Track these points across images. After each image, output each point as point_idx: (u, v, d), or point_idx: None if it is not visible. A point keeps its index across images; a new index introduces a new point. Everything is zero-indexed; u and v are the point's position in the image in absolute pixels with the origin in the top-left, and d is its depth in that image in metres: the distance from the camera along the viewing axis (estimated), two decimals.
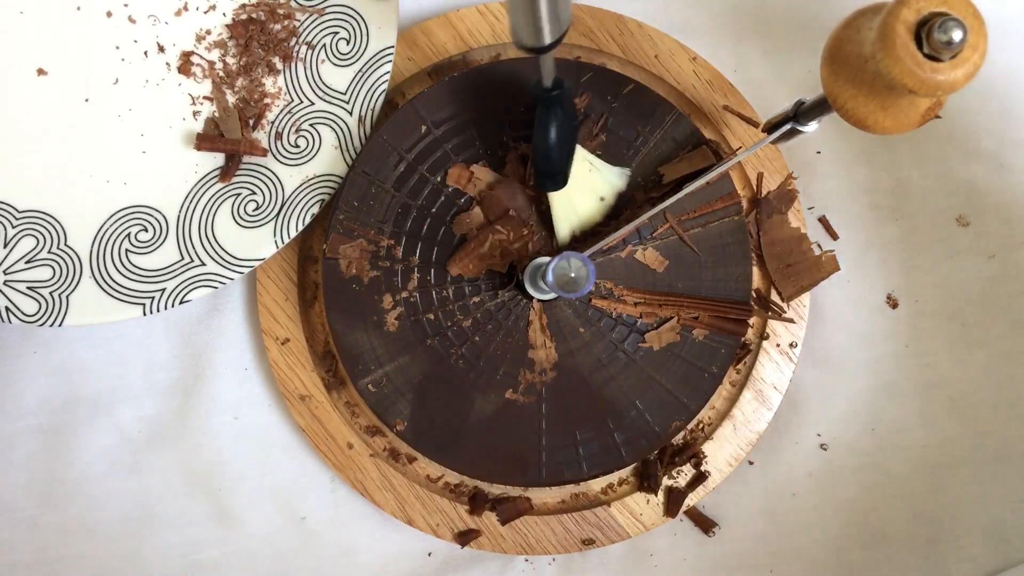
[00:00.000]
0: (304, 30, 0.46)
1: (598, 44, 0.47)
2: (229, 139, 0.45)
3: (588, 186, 0.44)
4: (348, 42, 0.45)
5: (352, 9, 0.45)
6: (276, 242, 0.44)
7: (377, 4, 0.45)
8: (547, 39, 0.32)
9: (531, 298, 0.44)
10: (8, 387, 0.47)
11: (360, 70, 0.45)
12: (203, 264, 0.44)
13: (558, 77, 0.38)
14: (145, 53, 0.46)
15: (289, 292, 0.46)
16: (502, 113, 0.45)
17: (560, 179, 0.42)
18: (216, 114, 0.45)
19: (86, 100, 0.46)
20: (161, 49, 0.46)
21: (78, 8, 0.46)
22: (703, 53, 0.48)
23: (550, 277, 0.37)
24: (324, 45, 0.46)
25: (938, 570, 0.47)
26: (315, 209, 0.44)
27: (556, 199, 0.43)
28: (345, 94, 0.45)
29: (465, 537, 0.45)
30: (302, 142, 0.45)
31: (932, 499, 0.48)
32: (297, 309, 0.46)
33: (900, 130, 0.32)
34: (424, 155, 0.44)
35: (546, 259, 0.41)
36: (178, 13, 0.46)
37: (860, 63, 0.31)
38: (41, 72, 0.45)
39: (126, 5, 0.46)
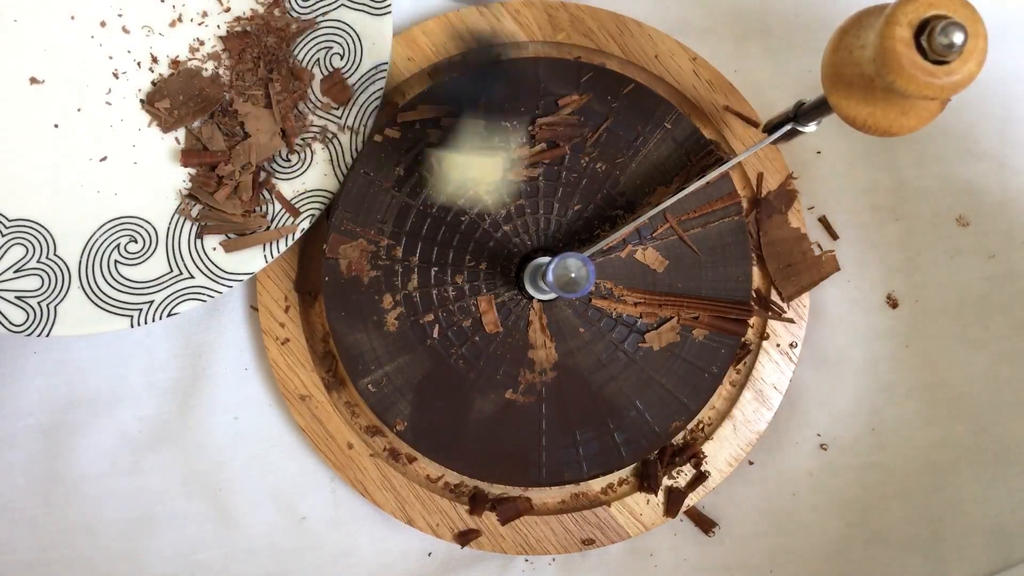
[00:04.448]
0: (297, 43, 0.46)
1: (598, 44, 0.47)
2: (214, 151, 0.45)
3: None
4: (342, 57, 0.45)
5: (346, 24, 0.45)
6: (266, 256, 0.44)
7: (371, 19, 0.45)
8: None
9: (531, 298, 0.44)
10: (8, 387, 0.47)
11: (353, 86, 0.45)
12: (192, 277, 0.44)
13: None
14: (138, 64, 0.46)
15: (289, 292, 0.46)
16: (502, 113, 0.45)
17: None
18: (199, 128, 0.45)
19: (78, 110, 0.45)
20: (155, 60, 0.46)
21: (72, 17, 0.45)
22: (703, 53, 0.48)
23: (550, 277, 0.37)
24: (318, 60, 0.45)
25: (938, 570, 0.47)
26: (305, 224, 0.44)
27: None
28: (338, 109, 0.45)
29: (465, 537, 0.45)
30: (293, 157, 0.45)
31: (932, 499, 0.48)
32: (297, 309, 0.46)
33: (925, 124, 0.32)
34: (424, 155, 0.44)
35: (546, 259, 0.41)
36: (172, 24, 0.46)
37: (866, 82, 0.30)
38: (34, 81, 0.45)
39: (120, 15, 0.46)
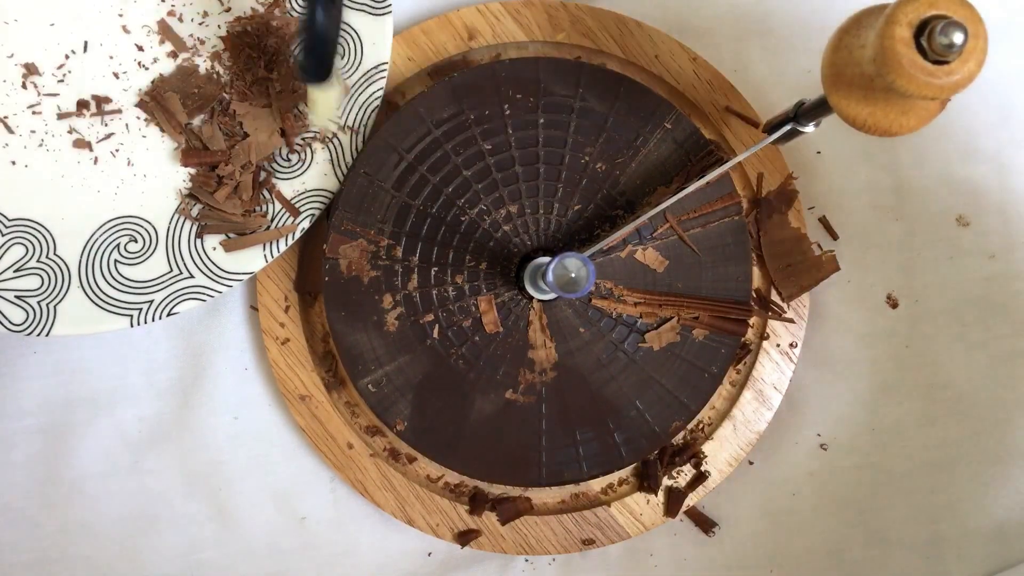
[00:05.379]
0: (298, 43, 0.45)
1: (598, 44, 0.47)
2: (214, 151, 0.45)
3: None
4: (342, 56, 0.45)
5: (346, 24, 0.45)
6: (266, 256, 0.44)
7: (372, 19, 0.45)
8: None
9: (531, 298, 0.44)
10: (8, 387, 0.47)
11: (353, 86, 0.45)
12: (192, 276, 0.44)
13: None
14: (139, 63, 0.46)
15: (289, 292, 0.46)
16: (502, 113, 0.45)
17: (328, 69, 0.39)
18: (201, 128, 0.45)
19: (79, 109, 0.45)
20: (155, 59, 0.46)
21: (72, 17, 0.45)
22: (703, 53, 0.48)
23: (550, 277, 0.37)
24: None
25: (938, 570, 0.47)
26: (305, 224, 0.44)
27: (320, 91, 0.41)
28: (338, 109, 0.45)
29: (465, 537, 0.45)
30: (293, 156, 0.45)
31: (932, 499, 0.48)
32: (297, 309, 0.46)
33: (925, 124, 0.32)
34: (424, 155, 0.44)
35: (546, 259, 0.41)
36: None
37: (866, 82, 0.30)
38: (34, 80, 0.45)
39: (121, 15, 0.46)
